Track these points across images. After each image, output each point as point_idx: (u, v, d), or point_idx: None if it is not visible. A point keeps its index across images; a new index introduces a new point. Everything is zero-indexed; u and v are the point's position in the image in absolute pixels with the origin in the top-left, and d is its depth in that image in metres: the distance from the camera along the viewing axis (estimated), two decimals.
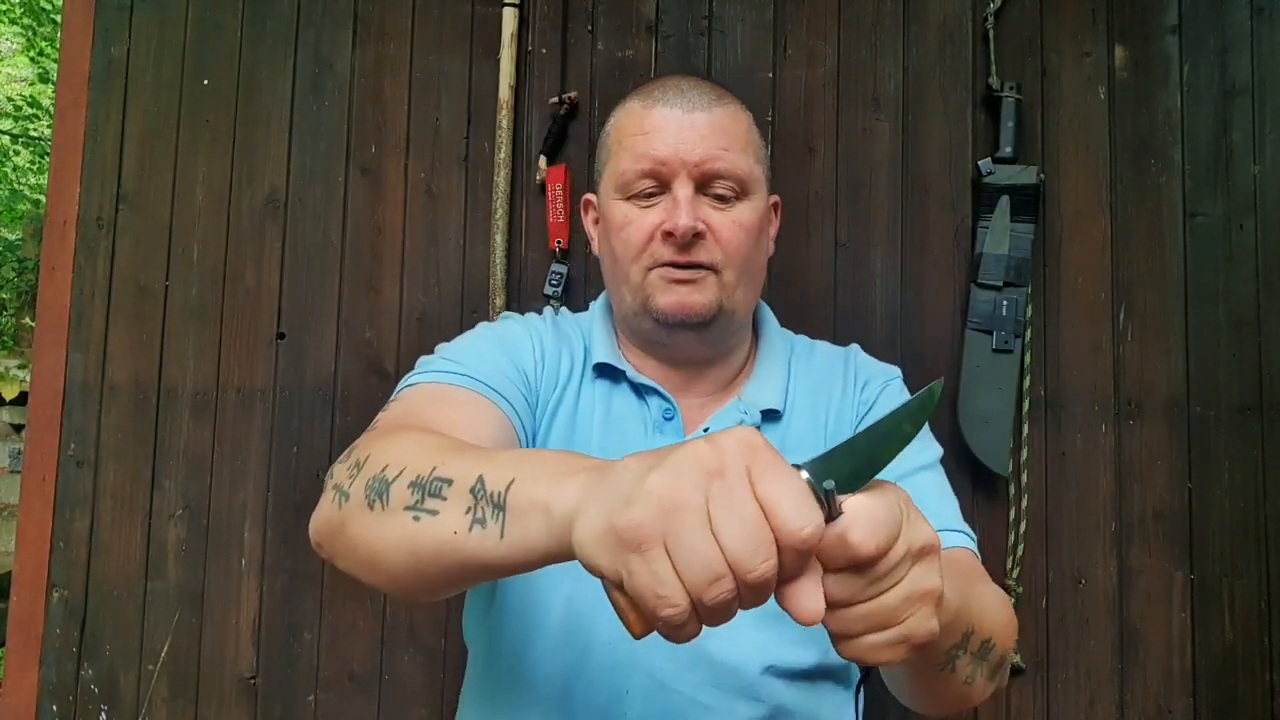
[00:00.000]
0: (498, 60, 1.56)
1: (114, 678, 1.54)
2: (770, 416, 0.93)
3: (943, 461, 0.95)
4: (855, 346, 1.04)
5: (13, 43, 9.05)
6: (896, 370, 1.00)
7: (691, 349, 0.91)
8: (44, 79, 8.72)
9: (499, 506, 0.54)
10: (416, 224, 1.58)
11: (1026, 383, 1.48)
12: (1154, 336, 1.51)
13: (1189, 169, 1.53)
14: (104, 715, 1.54)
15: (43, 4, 8.28)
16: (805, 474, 0.46)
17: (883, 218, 1.54)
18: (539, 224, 1.55)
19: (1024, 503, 1.47)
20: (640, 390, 0.92)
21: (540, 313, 1.00)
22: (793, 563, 0.44)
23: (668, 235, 0.84)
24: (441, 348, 0.90)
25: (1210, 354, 1.50)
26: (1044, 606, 1.47)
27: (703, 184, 0.85)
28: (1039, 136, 1.53)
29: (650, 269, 0.86)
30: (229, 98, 1.62)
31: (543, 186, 1.54)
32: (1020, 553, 1.46)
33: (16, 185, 8.74)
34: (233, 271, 1.59)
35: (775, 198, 0.98)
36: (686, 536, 0.43)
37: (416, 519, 0.58)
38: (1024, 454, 1.48)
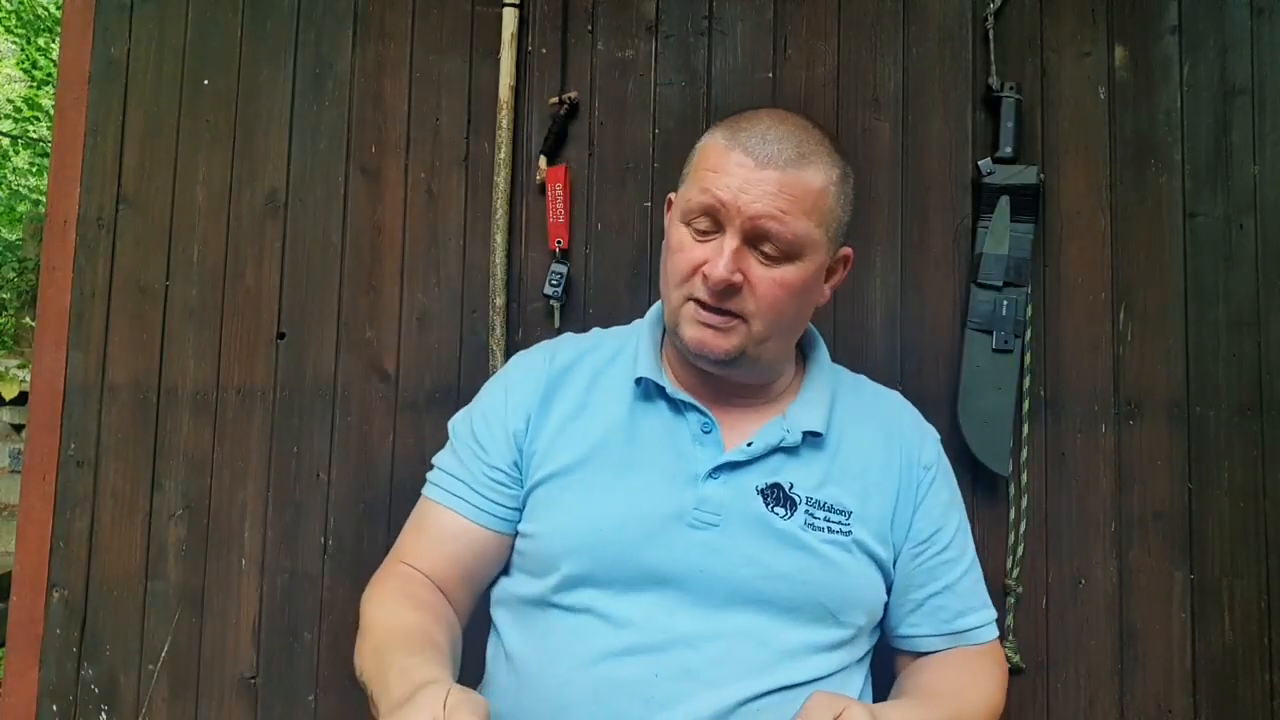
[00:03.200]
0: (498, 60, 1.56)
1: (114, 678, 1.54)
2: (812, 438, 0.96)
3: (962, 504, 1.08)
4: (899, 394, 1.12)
5: (11, 44, 9.05)
6: (936, 436, 1.09)
7: (717, 375, 0.96)
8: (42, 83, 8.71)
9: (376, 705, 0.80)
10: (416, 224, 1.58)
11: (1026, 383, 1.48)
12: (1154, 336, 1.51)
13: (1189, 169, 1.53)
14: (104, 715, 1.54)
15: (37, 11, 8.27)
16: None
17: (883, 218, 1.54)
18: (539, 224, 1.56)
19: (1024, 503, 1.47)
20: (679, 405, 0.96)
21: (557, 332, 1.14)
22: None
23: (706, 278, 0.87)
24: (451, 426, 1.07)
25: (1210, 354, 1.50)
26: (1044, 606, 1.47)
27: (752, 238, 0.87)
28: (1039, 136, 1.54)
29: (686, 300, 0.90)
30: (229, 98, 1.62)
31: (543, 186, 1.54)
32: (1020, 553, 1.46)
33: (15, 187, 8.74)
34: (233, 271, 1.59)
35: (847, 251, 0.98)
36: None
37: (365, 691, 0.86)
38: (1024, 454, 1.48)
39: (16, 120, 8.76)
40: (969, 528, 1.08)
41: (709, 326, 0.89)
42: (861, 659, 1.00)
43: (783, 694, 0.88)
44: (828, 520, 0.93)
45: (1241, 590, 1.47)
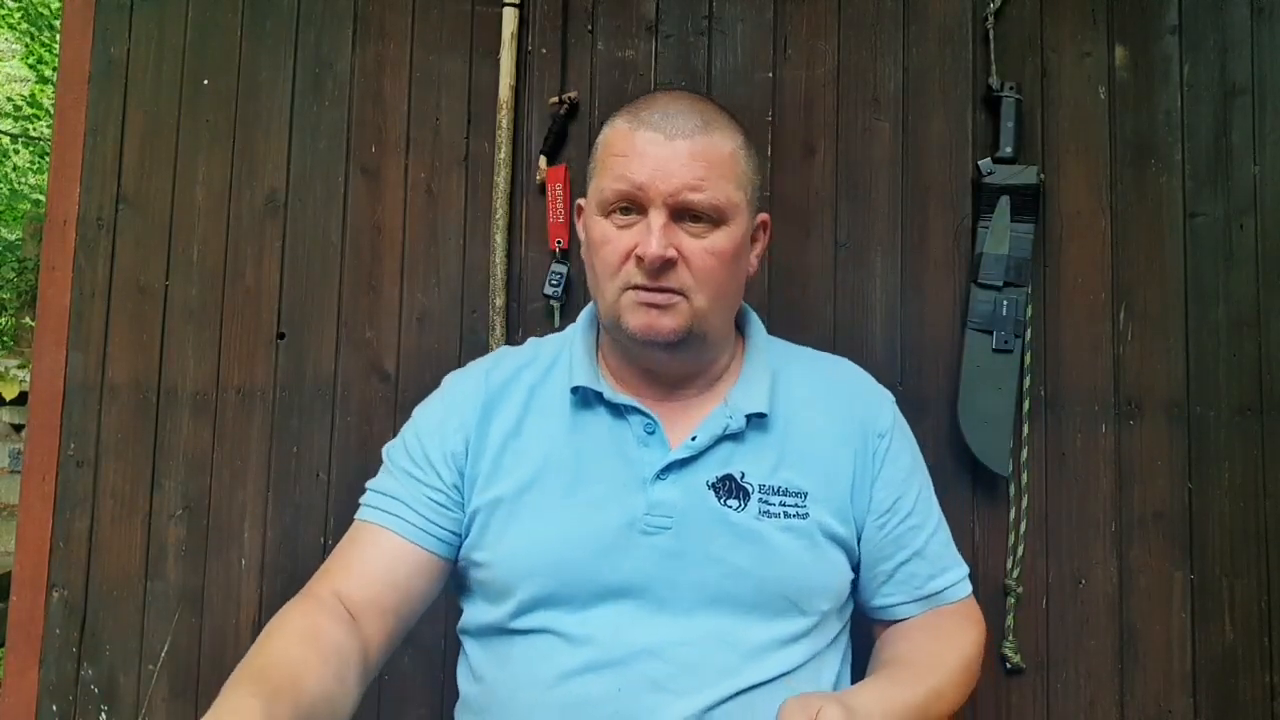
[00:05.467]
0: (498, 60, 1.56)
1: (114, 678, 1.54)
2: (757, 420, 0.94)
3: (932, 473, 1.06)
4: (847, 361, 1.08)
5: (14, 44, 9.05)
6: (891, 399, 1.06)
7: (664, 364, 0.94)
8: (44, 80, 8.72)
9: None
10: (416, 224, 1.58)
11: (1026, 383, 1.48)
12: (1154, 336, 1.51)
13: (1189, 169, 1.53)
14: (104, 715, 1.54)
15: (40, 9, 8.27)
16: None
17: (883, 218, 1.54)
18: (539, 224, 1.56)
19: (1024, 503, 1.47)
20: (619, 409, 0.94)
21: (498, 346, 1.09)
22: None
23: (640, 260, 0.86)
24: (386, 452, 1.01)
25: (1210, 354, 1.50)
26: (1044, 606, 1.47)
27: (678, 212, 0.86)
28: (1039, 136, 1.54)
29: (624, 289, 0.88)
30: (229, 98, 1.62)
31: (543, 186, 1.54)
32: (1020, 553, 1.46)
33: (16, 185, 8.74)
34: (233, 271, 1.59)
35: (764, 216, 0.98)
36: None
37: None
38: (1024, 454, 1.48)
39: (17, 119, 8.76)
40: (931, 487, 1.05)
41: (653, 307, 0.87)
42: (834, 641, 0.97)
43: (751, 693, 0.87)
44: (783, 505, 0.92)
45: (1241, 590, 1.47)
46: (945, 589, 1.02)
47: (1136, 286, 1.52)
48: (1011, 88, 1.50)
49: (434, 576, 0.96)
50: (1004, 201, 1.47)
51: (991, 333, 1.47)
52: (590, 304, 1.02)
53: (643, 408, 0.93)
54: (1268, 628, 1.46)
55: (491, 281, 1.52)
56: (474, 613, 0.98)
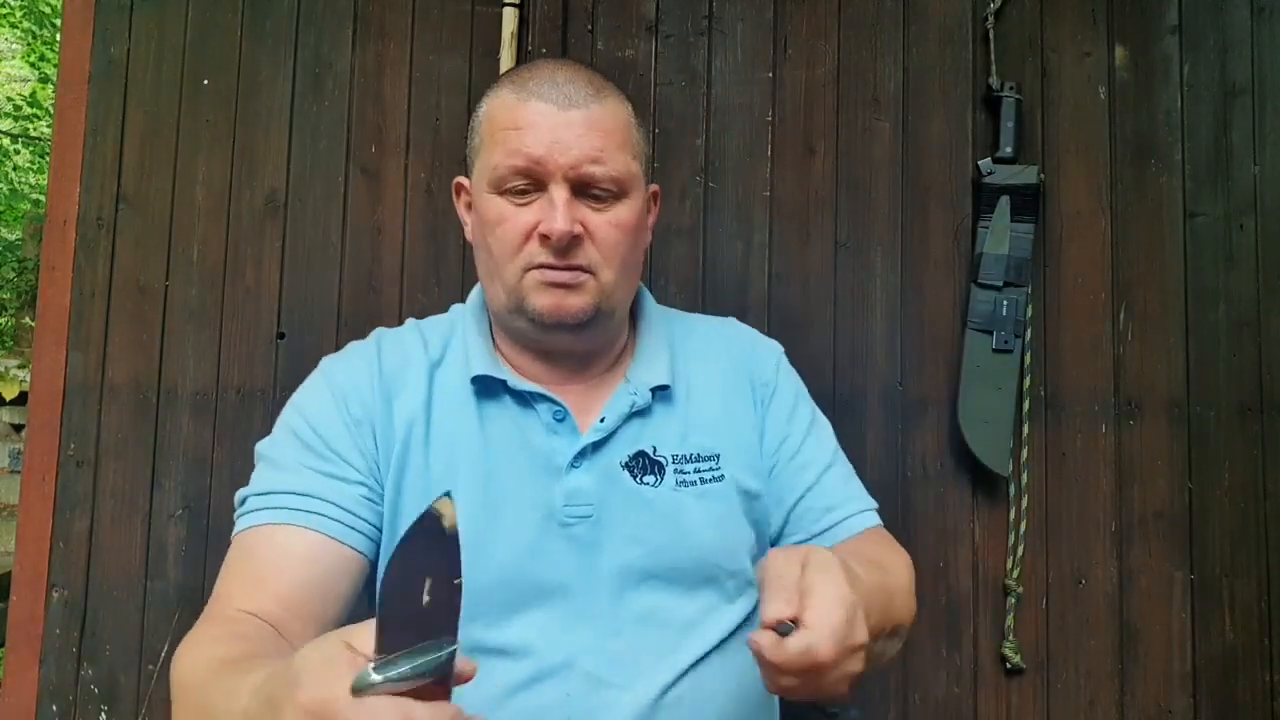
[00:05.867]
0: (498, 60, 1.56)
1: (114, 678, 1.54)
2: (661, 392, 0.91)
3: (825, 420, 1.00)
4: (732, 319, 1.04)
5: (14, 44, 9.05)
6: (778, 348, 1.02)
7: (568, 345, 0.89)
8: (45, 79, 8.72)
9: None
10: (416, 224, 1.58)
11: (1026, 383, 1.48)
12: (1154, 336, 1.51)
13: (1189, 169, 1.53)
14: (104, 715, 1.54)
15: (42, 7, 8.27)
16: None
17: (883, 218, 1.54)
18: None
19: (1024, 503, 1.47)
20: (524, 397, 0.88)
21: (371, 334, 0.96)
22: None
23: (544, 238, 0.81)
24: (261, 453, 0.88)
25: (1210, 354, 1.50)
26: (1044, 606, 1.47)
27: (579, 186, 0.82)
28: (1039, 136, 1.54)
29: (526, 270, 0.83)
30: (229, 98, 1.62)
31: None
32: (1020, 553, 1.46)
33: (17, 185, 8.74)
34: (233, 271, 1.59)
35: (654, 187, 0.95)
36: None
37: None
38: (1024, 454, 1.48)
39: (17, 119, 8.76)
40: (827, 430, 1.00)
41: (560, 286, 0.82)
42: None
43: (698, 669, 0.84)
44: (698, 471, 0.89)
45: (1241, 590, 1.47)
46: (844, 519, 0.94)
47: (1136, 286, 1.52)
48: (1011, 88, 1.51)
49: (356, 579, 0.83)
50: (1004, 201, 1.47)
51: (991, 333, 1.47)
52: (476, 288, 0.96)
53: (549, 394, 0.88)
54: (1267, 627, 1.46)
55: None
56: None
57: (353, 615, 0.83)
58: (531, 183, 0.82)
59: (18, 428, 4.02)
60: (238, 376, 1.57)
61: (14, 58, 9.19)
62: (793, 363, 1.17)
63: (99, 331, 1.59)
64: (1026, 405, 1.48)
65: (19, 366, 4.07)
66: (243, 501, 0.85)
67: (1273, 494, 1.48)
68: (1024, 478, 1.47)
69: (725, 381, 0.95)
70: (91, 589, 1.56)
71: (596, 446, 0.87)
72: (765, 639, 0.60)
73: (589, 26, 1.59)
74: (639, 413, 0.89)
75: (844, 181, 1.55)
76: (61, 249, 1.61)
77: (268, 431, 0.90)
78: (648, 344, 0.94)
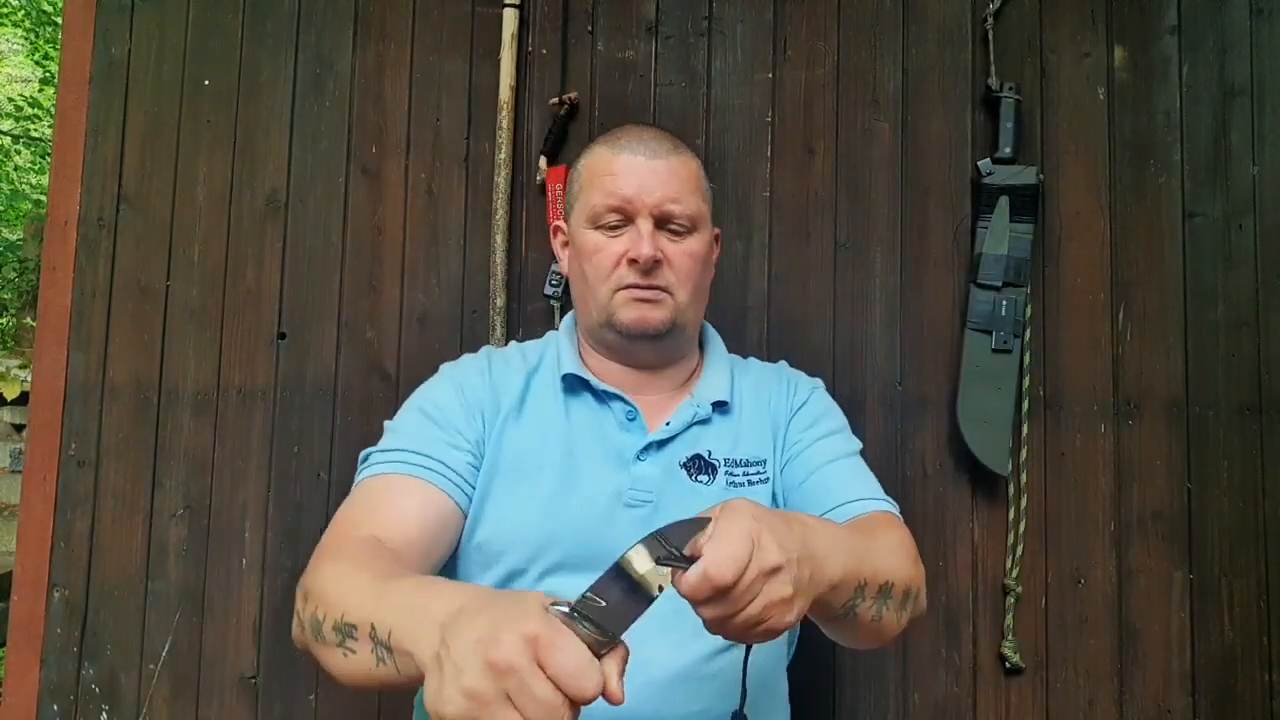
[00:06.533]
0: (498, 60, 1.56)
1: (114, 678, 1.54)
2: (720, 407, 1.07)
3: (863, 454, 1.10)
4: (784, 363, 1.20)
5: (15, 44, 9.05)
6: (820, 382, 1.17)
7: (648, 356, 1.06)
8: (46, 80, 8.72)
9: (388, 649, 0.68)
10: (416, 224, 1.58)
11: (1026, 383, 1.48)
12: (1153, 336, 1.51)
13: (1188, 169, 1.53)
14: (104, 715, 1.54)
15: (44, 6, 8.28)
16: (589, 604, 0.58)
17: (883, 218, 1.54)
18: (539, 224, 1.56)
19: (1024, 503, 1.47)
20: (603, 396, 1.05)
21: (480, 350, 1.13)
22: (579, 706, 0.55)
23: (633, 262, 0.99)
24: (389, 426, 1.02)
25: (1210, 354, 1.51)
26: (1044, 606, 1.48)
27: (660, 221, 1.00)
28: (1039, 136, 1.54)
29: (617, 290, 1.01)
30: (229, 98, 1.62)
31: (543, 187, 1.54)
32: (1020, 553, 1.46)
33: (18, 185, 8.74)
34: (233, 271, 1.59)
35: (716, 230, 1.12)
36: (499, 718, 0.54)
37: (344, 656, 0.73)
38: (1023, 454, 1.48)
39: (18, 119, 8.76)
40: (853, 442, 1.10)
41: (644, 302, 1.00)
42: None
43: (728, 653, 0.94)
44: (746, 473, 1.04)
45: (1240, 590, 1.47)
46: (849, 502, 1.01)
47: (1136, 286, 1.52)
48: (1011, 88, 1.51)
49: (455, 531, 0.98)
50: (1003, 201, 1.48)
51: (991, 333, 1.47)
52: (568, 316, 1.15)
53: (625, 396, 1.05)
54: (1267, 628, 1.46)
55: (492, 282, 1.53)
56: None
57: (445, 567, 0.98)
58: (623, 218, 1.01)
59: (18, 428, 4.02)
60: (238, 376, 1.58)
61: (17, 55, 9.19)
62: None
63: (100, 332, 1.60)
64: (1026, 405, 1.48)
65: (20, 366, 4.08)
66: (366, 458, 0.99)
67: (1272, 494, 1.48)
68: (1023, 478, 1.47)
69: (771, 406, 1.11)
70: (92, 589, 1.56)
71: (661, 444, 1.03)
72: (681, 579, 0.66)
73: (589, 27, 1.59)
74: (700, 422, 1.05)
75: (844, 181, 1.55)
76: (62, 249, 1.61)
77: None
78: (713, 371, 1.11)
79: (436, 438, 0.98)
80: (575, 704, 0.55)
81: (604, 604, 0.58)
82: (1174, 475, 1.49)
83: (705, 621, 0.67)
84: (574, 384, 1.06)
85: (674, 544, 0.63)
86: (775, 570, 0.66)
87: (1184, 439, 1.49)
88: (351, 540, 0.86)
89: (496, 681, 0.54)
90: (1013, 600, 1.46)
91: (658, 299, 1.01)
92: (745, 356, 1.22)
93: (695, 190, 1.03)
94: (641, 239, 0.99)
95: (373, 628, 0.69)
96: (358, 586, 0.75)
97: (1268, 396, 1.49)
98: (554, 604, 0.58)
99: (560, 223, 1.12)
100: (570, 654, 0.54)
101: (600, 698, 0.56)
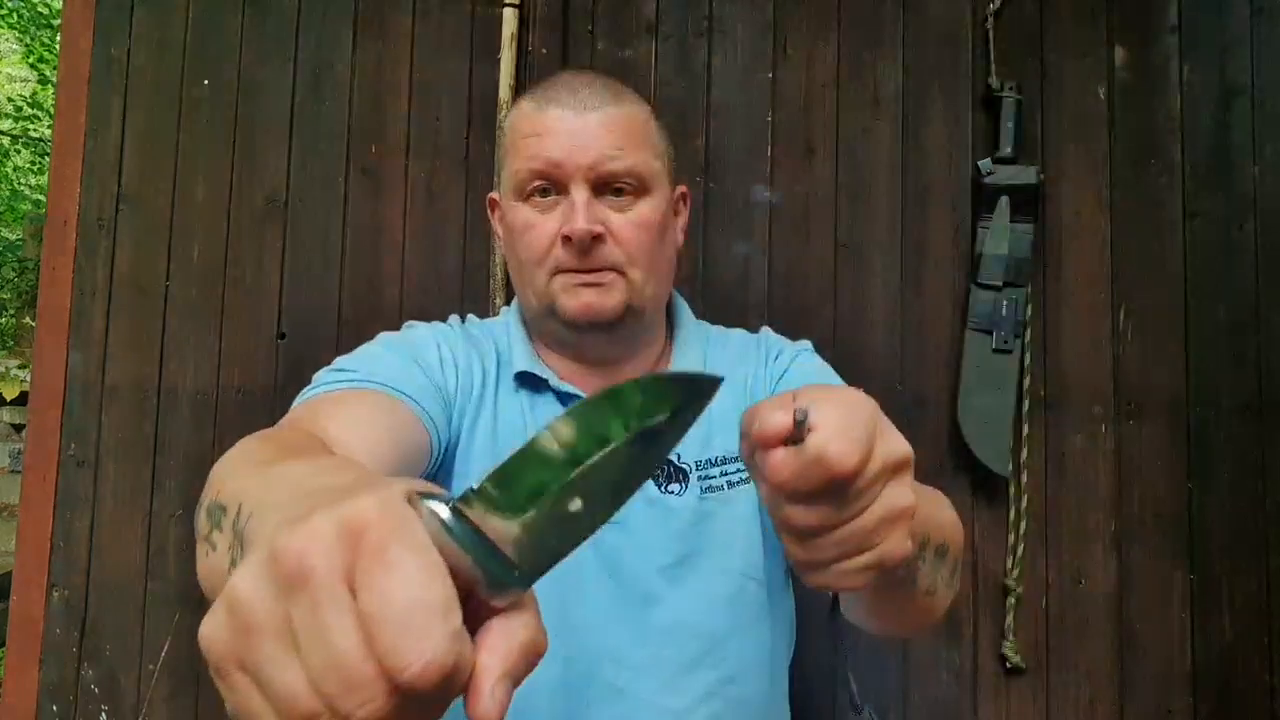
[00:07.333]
0: (498, 61, 1.56)
1: (114, 678, 1.54)
2: None
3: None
4: (766, 328, 1.03)
5: (14, 44, 9.05)
6: (807, 342, 1.00)
7: (602, 349, 0.89)
8: (44, 80, 8.72)
9: (241, 542, 0.43)
10: (416, 224, 1.58)
11: (1026, 383, 1.48)
12: (1154, 336, 1.51)
13: (1189, 169, 1.53)
14: (104, 715, 1.54)
15: (39, 9, 8.27)
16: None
17: (883, 218, 1.54)
18: None
19: (1024, 503, 1.47)
20: (564, 398, 0.89)
21: (446, 320, 0.95)
22: (412, 703, 0.28)
23: (566, 240, 0.81)
24: (338, 360, 0.82)
25: (1210, 354, 1.50)
26: (1044, 606, 1.47)
27: (600, 185, 0.82)
28: (1039, 136, 1.54)
29: (554, 274, 0.84)
30: (229, 98, 1.62)
31: None
32: (1020, 553, 1.46)
33: (17, 185, 8.74)
34: (233, 272, 1.59)
35: (682, 188, 0.95)
36: (263, 667, 0.30)
37: (205, 554, 0.49)
38: (1024, 454, 1.48)
39: (17, 119, 8.76)
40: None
41: (588, 287, 0.83)
42: (785, 583, 0.94)
43: (726, 688, 0.84)
44: (723, 474, 0.89)
45: (1241, 590, 1.47)
46: None
47: (1136, 286, 1.52)
48: (1011, 88, 1.51)
49: (425, 454, 0.78)
50: (1004, 201, 1.47)
51: (991, 333, 1.47)
52: (515, 300, 0.96)
53: (585, 396, 0.87)
54: (1267, 628, 1.46)
55: (491, 281, 1.52)
56: None
57: None
58: (552, 187, 0.83)
59: (18, 428, 4.02)
60: (238, 376, 1.57)
61: (14, 56, 9.19)
62: None
63: (99, 331, 1.59)
64: (1026, 405, 1.48)
65: (19, 366, 4.08)
66: (312, 384, 0.77)
67: (1273, 494, 1.48)
68: (1024, 478, 1.47)
69: (748, 385, 0.94)
70: (92, 589, 1.56)
71: None
72: (772, 456, 0.45)
73: (589, 27, 1.59)
74: None
75: (844, 181, 1.55)
76: (62, 249, 1.61)
77: None
78: (683, 354, 0.94)
79: (413, 373, 0.80)
80: (398, 684, 0.27)
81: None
82: (1174, 475, 1.49)
83: (792, 540, 0.47)
84: (529, 383, 0.90)
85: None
86: (902, 466, 0.47)
87: (1184, 439, 1.49)
88: (275, 432, 0.66)
89: (276, 593, 0.30)
90: (1013, 600, 1.46)
91: (604, 281, 0.83)
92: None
93: (642, 143, 0.84)
94: (575, 211, 0.80)
95: (238, 510, 0.44)
96: (249, 459, 0.56)
97: (1268, 397, 1.49)
98: (431, 495, 0.32)
99: (494, 194, 0.94)
100: (412, 577, 0.28)
101: (458, 699, 0.30)
